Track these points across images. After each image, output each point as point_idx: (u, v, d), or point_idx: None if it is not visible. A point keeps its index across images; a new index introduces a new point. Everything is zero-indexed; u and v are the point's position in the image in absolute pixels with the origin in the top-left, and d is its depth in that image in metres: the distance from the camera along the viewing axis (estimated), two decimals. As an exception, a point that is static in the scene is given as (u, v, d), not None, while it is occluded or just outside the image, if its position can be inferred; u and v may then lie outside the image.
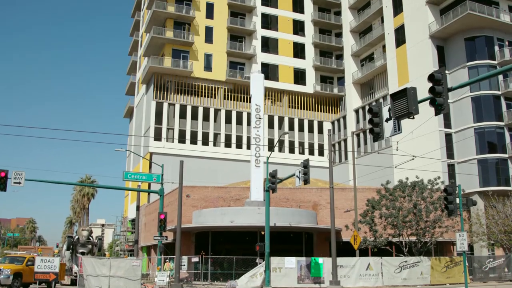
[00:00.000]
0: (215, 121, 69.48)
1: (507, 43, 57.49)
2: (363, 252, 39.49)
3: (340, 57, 78.09)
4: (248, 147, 62.10)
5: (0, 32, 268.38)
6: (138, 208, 49.67)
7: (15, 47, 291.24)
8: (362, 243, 36.96)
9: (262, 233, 37.80)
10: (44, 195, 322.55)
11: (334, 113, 77.31)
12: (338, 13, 79.17)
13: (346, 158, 72.57)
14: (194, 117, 68.26)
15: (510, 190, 50.16)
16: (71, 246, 41.01)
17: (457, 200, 31.46)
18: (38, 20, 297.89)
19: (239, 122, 70.53)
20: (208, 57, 70.14)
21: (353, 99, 72.85)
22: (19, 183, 31.76)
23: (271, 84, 71.47)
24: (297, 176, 30.49)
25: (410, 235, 37.14)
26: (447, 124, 56.80)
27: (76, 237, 42.35)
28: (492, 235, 43.19)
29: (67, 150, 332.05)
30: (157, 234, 38.51)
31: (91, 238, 41.99)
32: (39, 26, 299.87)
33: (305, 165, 29.72)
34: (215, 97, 70.19)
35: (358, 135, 70.02)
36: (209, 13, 71.56)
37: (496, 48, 56.62)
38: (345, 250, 40.40)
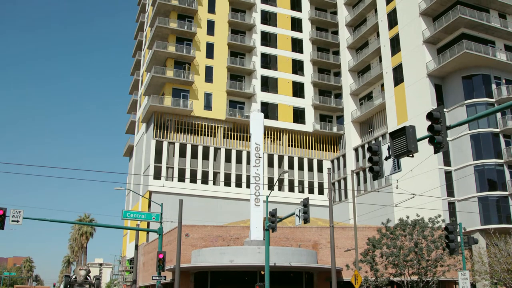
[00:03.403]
0: (214, 159, 69.49)
1: (504, 81, 58.03)
2: (365, 292, 38.96)
3: (339, 96, 78.67)
4: (248, 186, 61.99)
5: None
6: (136, 247, 49.26)
7: (14, 82, 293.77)
8: (363, 283, 36.53)
9: (262, 273, 37.40)
10: (42, 233, 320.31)
11: (334, 151, 77.40)
12: (337, 53, 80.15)
13: (346, 196, 72.32)
14: (194, 155, 68.30)
15: (511, 228, 49.82)
16: (68, 286, 40.54)
17: (459, 239, 31.27)
18: (38, 55, 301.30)
19: (238, 161, 70.54)
20: (208, 96, 70.63)
21: (352, 138, 73.04)
22: (17, 221, 31.53)
23: (271, 123, 71.79)
24: (297, 215, 30.33)
25: (412, 274, 36.74)
26: (447, 161, 56.81)
27: (74, 276, 41.93)
28: (495, 273, 42.65)
29: (66, 188, 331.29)
30: (156, 273, 38.07)
31: (88, 277, 41.57)
32: (39, 62, 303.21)
33: (305, 204, 29.61)
34: (214, 136, 70.39)
35: (357, 174, 69.94)
36: (209, 53, 72.42)
37: (494, 86, 57.10)
38: (346, 290, 39.89)
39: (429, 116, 15.13)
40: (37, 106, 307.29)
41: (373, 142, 65.86)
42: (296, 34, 79.05)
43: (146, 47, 79.53)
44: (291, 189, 72.18)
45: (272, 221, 32.07)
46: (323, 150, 76.94)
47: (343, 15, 78.23)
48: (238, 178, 69.39)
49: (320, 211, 63.90)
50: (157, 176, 65.77)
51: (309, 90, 77.15)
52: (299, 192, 72.09)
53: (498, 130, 55.55)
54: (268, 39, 76.95)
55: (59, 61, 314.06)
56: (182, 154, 67.81)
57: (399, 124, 61.04)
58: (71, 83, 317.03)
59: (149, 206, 62.58)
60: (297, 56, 78.03)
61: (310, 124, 75.54)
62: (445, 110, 56.61)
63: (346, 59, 76.36)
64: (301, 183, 73.44)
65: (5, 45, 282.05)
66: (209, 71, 71.68)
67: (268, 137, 72.45)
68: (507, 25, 60.16)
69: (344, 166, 73.86)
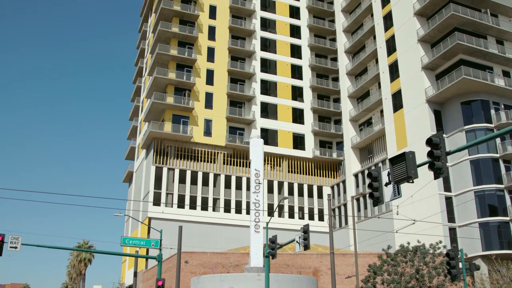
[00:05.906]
0: (214, 186, 69.31)
1: (502, 106, 58.21)
2: (366, 320, 38.50)
3: (338, 122, 78.84)
4: (248, 212, 61.76)
5: None
6: (135, 274, 48.83)
7: (12, 106, 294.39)
8: (365, 310, 36.13)
9: (262, 300, 36.95)
10: (40, 260, 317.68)
11: (334, 177, 77.26)
12: (336, 79, 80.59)
13: (346, 223, 71.95)
14: (194, 182, 68.14)
15: (513, 255, 49.45)
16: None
17: (460, 265, 31.02)
18: (37, 79, 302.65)
19: (238, 187, 70.35)
20: (208, 122, 70.76)
21: (352, 164, 72.97)
22: (16, 247, 31.27)
23: (271, 149, 71.78)
24: (297, 242, 30.15)
25: (414, 301, 36.37)
26: (447, 187, 56.64)
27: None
28: (498, 301, 42.28)
29: (65, 214, 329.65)
30: (155, 301, 37.67)
31: (87, 306, 41.07)
32: (38, 86, 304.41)
33: (305, 230, 29.46)
34: (214, 162, 70.32)
35: (358, 200, 69.71)
36: (209, 79, 72.78)
37: (492, 111, 57.26)
38: (347, 317, 39.43)
39: (429, 142, 15.15)
40: (35, 131, 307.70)
41: (373, 168, 65.87)
42: (296, 61, 79.58)
43: (147, 73, 80.00)
44: (291, 216, 71.86)
45: (272, 248, 31.87)
46: (323, 176, 76.81)
47: (342, 42, 78.90)
48: (238, 204, 69.13)
49: (320, 238, 63.52)
50: (156, 202, 65.53)
51: (308, 116, 77.33)
52: (299, 218, 71.74)
53: (498, 155, 55.53)
54: (267, 66, 77.42)
55: (58, 86, 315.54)
56: (182, 180, 67.66)
57: (399, 150, 61.05)
58: (70, 108, 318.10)
59: (149, 232, 62.26)
60: (296, 82, 78.41)
61: (310, 150, 75.56)
62: (444, 135, 56.78)
63: (346, 85, 76.72)
64: (301, 209, 73.15)
65: (4, 67, 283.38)
66: (209, 97, 71.95)
67: (268, 163, 72.37)
68: (504, 51, 60.61)
69: (344, 192, 73.64)
